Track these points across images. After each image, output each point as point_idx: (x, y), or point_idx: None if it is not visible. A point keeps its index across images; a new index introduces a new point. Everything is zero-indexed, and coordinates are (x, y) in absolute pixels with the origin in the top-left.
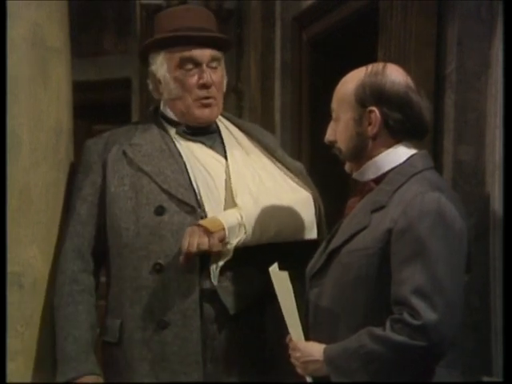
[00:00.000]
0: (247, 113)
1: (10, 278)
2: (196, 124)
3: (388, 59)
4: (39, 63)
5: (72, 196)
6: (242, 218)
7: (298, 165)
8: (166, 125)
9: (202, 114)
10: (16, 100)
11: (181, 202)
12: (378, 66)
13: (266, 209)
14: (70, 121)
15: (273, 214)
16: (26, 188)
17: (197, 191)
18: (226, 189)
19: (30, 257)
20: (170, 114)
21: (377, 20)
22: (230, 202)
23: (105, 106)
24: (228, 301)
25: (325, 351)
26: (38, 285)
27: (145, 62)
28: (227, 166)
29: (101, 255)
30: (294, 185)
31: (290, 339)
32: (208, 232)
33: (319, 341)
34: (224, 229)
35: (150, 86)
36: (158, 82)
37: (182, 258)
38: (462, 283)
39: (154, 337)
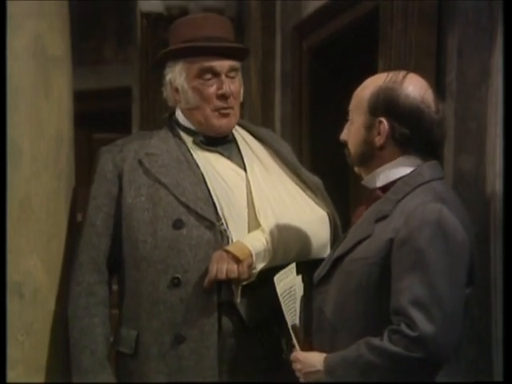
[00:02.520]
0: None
1: (10, 287)
2: (214, 134)
3: (388, 68)
4: (41, 73)
5: (88, 205)
6: (267, 243)
7: (316, 180)
8: (182, 134)
9: (221, 123)
10: (17, 109)
11: (200, 217)
12: (399, 75)
13: (288, 231)
14: (70, 130)
15: (295, 236)
16: (26, 197)
17: (217, 205)
18: (247, 204)
19: (31, 266)
20: (187, 123)
21: (377, 29)
22: (253, 219)
23: (105, 115)
24: (246, 313)
25: (325, 361)
26: (39, 294)
27: (157, 69)
28: (247, 180)
29: (114, 265)
30: (312, 202)
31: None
32: (237, 259)
33: (322, 348)
34: (252, 255)
35: (165, 94)
36: (174, 90)
37: (207, 282)
38: (461, 295)
39: (171, 351)
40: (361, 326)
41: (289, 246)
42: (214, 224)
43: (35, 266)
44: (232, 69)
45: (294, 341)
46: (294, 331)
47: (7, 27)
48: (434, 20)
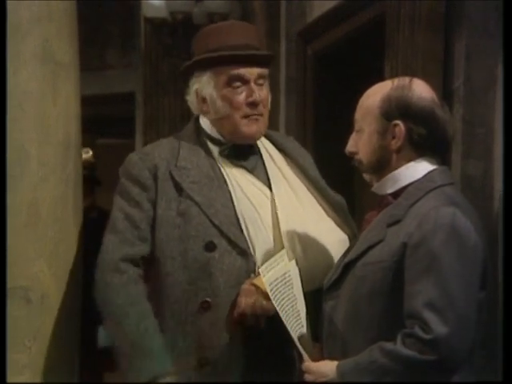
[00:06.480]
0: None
1: (17, 293)
2: (243, 141)
3: (395, 74)
4: (48, 78)
5: (126, 207)
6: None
7: (339, 199)
8: (208, 143)
9: (250, 130)
10: (25, 114)
11: (232, 242)
12: (405, 80)
13: (314, 257)
14: (78, 135)
15: (320, 262)
16: (34, 202)
17: (243, 227)
18: (273, 225)
19: (38, 271)
20: (214, 133)
21: (383, 35)
22: (279, 241)
23: (108, 120)
24: (269, 335)
25: (338, 367)
26: (46, 299)
27: (184, 79)
28: (272, 199)
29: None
30: (334, 225)
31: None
32: (266, 295)
33: (333, 354)
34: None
35: (190, 103)
36: (202, 100)
37: (235, 315)
38: (475, 298)
39: (194, 372)
40: (374, 331)
41: (315, 272)
42: (246, 252)
43: (42, 271)
44: (260, 76)
45: (300, 349)
46: (300, 340)
47: (11, 33)
48: (441, 25)
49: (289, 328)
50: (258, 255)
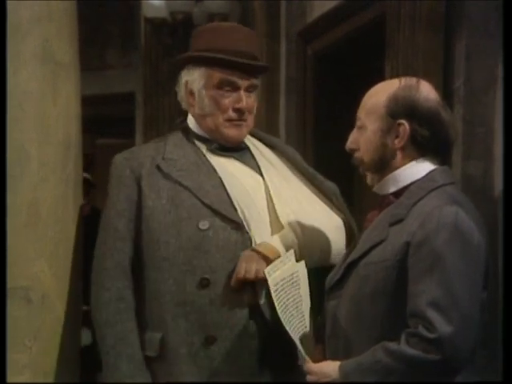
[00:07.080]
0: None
1: (17, 293)
2: (224, 143)
3: (395, 74)
4: (48, 78)
5: (106, 210)
6: (294, 244)
7: (331, 185)
8: (196, 141)
9: (231, 133)
10: (25, 115)
11: (225, 218)
12: (412, 80)
13: (311, 235)
14: (78, 135)
15: (316, 241)
16: (34, 202)
17: (237, 207)
18: (268, 209)
19: (39, 271)
20: (199, 131)
21: (383, 35)
22: (275, 224)
23: (108, 120)
24: (270, 315)
25: (340, 368)
26: (46, 299)
27: (175, 69)
28: (265, 186)
29: (134, 269)
30: (328, 209)
31: (306, 363)
32: (266, 259)
33: (335, 354)
34: (280, 256)
35: (179, 96)
36: (189, 93)
37: (234, 281)
38: (478, 297)
39: (201, 352)
40: (376, 331)
41: (312, 249)
42: (240, 225)
43: (43, 271)
44: (251, 85)
45: (301, 350)
46: (302, 341)
47: (11, 33)
48: (441, 25)
49: (288, 329)
50: (255, 234)
